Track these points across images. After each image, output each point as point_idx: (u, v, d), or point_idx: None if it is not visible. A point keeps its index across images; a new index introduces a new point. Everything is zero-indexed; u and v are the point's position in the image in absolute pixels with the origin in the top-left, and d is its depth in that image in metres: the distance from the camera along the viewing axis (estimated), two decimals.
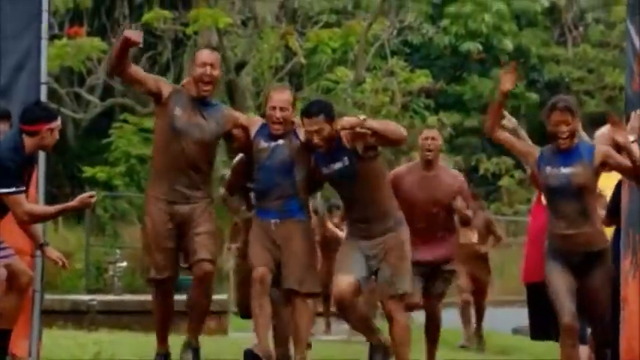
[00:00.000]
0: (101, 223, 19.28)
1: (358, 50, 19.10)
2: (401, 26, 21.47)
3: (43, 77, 7.27)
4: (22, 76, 7.22)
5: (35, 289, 7.00)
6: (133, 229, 17.32)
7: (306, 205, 6.59)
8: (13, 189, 6.13)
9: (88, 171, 19.12)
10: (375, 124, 6.25)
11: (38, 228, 6.60)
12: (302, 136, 6.45)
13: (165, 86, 6.60)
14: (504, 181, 23.69)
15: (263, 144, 6.51)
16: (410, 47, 24.05)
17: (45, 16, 7.25)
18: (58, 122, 6.35)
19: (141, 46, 6.45)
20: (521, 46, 27.11)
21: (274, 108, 6.47)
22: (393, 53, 21.09)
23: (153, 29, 18.92)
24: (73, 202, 6.24)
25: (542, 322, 7.03)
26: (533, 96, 26.87)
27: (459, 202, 7.30)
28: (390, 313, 6.37)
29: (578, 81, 26.75)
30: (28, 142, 6.28)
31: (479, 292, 11.35)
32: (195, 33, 18.42)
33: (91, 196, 6.19)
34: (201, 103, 6.54)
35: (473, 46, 26.38)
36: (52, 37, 16.79)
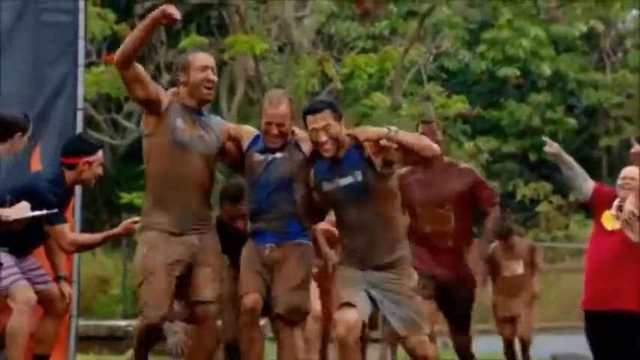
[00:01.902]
0: None
1: (394, 76, 19.07)
2: (437, 52, 21.44)
3: (80, 104, 7.31)
4: (58, 102, 7.27)
5: (71, 315, 7.01)
6: None
7: (308, 228, 5.80)
8: (57, 220, 6.14)
9: (125, 197, 19.17)
10: (406, 137, 5.47)
11: (61, 260, 6.61)
12: (306, 148, 5.72)
13: (163, 94, 5.74)
14: (542, 207, 23.50)
15: (257, 157, 5.73)
16: (446, 73, 23.99)
17: (81, 43, 7.30)
18: (98, 156, 6.29)
19: (178, 23, 5.63)
20: (559, 72, 26.96)
21: (270, 124, 5.69)
22: (430, 79, 21.04)
23: None
24: (117, 229, 6.24)
25: (608, 351, 6.85)
26: (572, 121, 26.69)
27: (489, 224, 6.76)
28: (422, 352, 5.44)
29: (617, 106, 26.54)
30: (68, 175, 6.29)
31: (524, 327, 10.17)
32: (232, 59, 18.49)
33: (135, 222, 6.11)
34: (197, 113, 5.78)
35: (510, 72, 26.26)
36: (90, 64, 16.90)
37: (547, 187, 23.76)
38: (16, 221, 6.02)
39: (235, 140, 5.84)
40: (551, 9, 25.11)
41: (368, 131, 5.56)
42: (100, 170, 6.29)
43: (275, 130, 5.67)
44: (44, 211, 6.01)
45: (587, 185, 7.00)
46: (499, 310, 10.26)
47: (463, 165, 6.94)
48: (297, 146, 5.75)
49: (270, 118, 5.68)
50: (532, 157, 26.97)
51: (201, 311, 5.74)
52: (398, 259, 5.57)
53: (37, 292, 6.32)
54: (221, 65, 19.99)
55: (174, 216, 5.65)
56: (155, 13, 5.52)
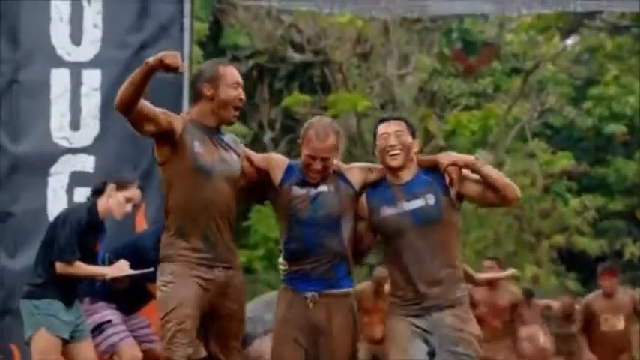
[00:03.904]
0: None
1: (498, 133, 18.91)
2: (542, 108, 21.22)
3: None
4: None
5: None
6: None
7: (352, 269, 5.12)
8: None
9: None
10: (492, 171, 5.00)
11: None
12: (354, 178, 5.11)
13: (176, 120, 4.96)
14: None
15: (298, 191, 5.06)
16: (551, 129, 23.72)
17: (185, 102, 7.36)
18: None
19: (181, 71, 4.84)
20: None
21: (314, 158, 5.02)
22: (534, 135, 20.81)
23: (292, 113, 19.13)
24: None
25: None
26: None
27: None
28: None
29: None
30: None
31: None
32: (335, 116, 18.55)
33: None
34: (216, 133, 5.06)
35: (617, 129, 25.86)
36: None
37: None
38: (116, 279, 6.04)
39: (261, 170, 5.15)
40: None
41: (454, 156, 5.05)
42: None
43: (319, 166, 5.03)
44: (144, 270, 6.02)
45: None
46: None
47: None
48: (343, 178, 5.12)
49: (316, 152, 5.02)
50: None
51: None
52: (458, 299, 4.99)
53: (143, 351, 6.34)
54: None
55: (201, 246, 4.93)
56: (152, 60, 4.77)
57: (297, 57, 19.80)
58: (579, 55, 24.92)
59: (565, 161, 19.90)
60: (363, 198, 5.10)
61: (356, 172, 5.16)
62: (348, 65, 19.38)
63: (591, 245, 21.11)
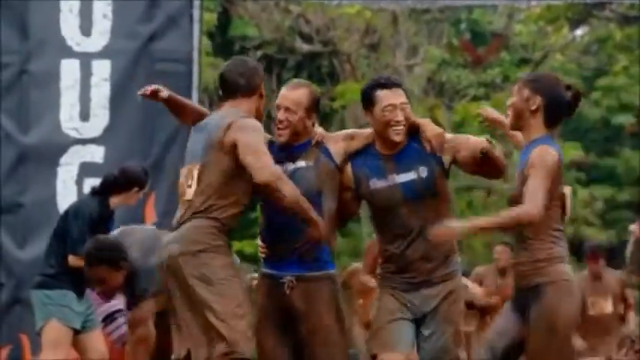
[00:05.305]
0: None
1: None
2: None
3: None
4: (173, 148, 7.34)
5: None
6: None
7: (334, 249, 4.84)
8: None
9: (234, 245, 19.30)
10: (499, 152, 4.84)
11: None
12: (336, 150, 4.78)
13: None
14: None
15: None
16: None
17: (195, 93, 7.38)
18: None
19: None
20: None
21: (278, 107, 4.71)
22: None
23: None
24: None
25: None
26: None
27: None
28: None
29: None
30: None
31: None
32: (343, 107, 18.54)
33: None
34: None
35: (625, 119, 25.81)
36: None
37: None
38: None
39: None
40: None
41: (471, 139, 4.81)
42: None
43: (281, 115, 4.68)
44: None
45: None
46: (586, 356, 8.85)
47: None
48: (325, 150, 4.78)
49: (280, 99, 4.71)
50: None
51: None
52: (450, 273, 4.77)
53: None
54: (332, 113, 20.08)
55: (229, 243, 4.78)
56: (316, 232, 4.56)
57: (305, 47, 19.78)
58: (588, 46, 24.89)
59: (573, 152, 19.87)
60: (349, 167, 4.80)
61: (339, 142, 4.83)
62: (356, 56, 19.36)
63: (599, 236, 21.09)
